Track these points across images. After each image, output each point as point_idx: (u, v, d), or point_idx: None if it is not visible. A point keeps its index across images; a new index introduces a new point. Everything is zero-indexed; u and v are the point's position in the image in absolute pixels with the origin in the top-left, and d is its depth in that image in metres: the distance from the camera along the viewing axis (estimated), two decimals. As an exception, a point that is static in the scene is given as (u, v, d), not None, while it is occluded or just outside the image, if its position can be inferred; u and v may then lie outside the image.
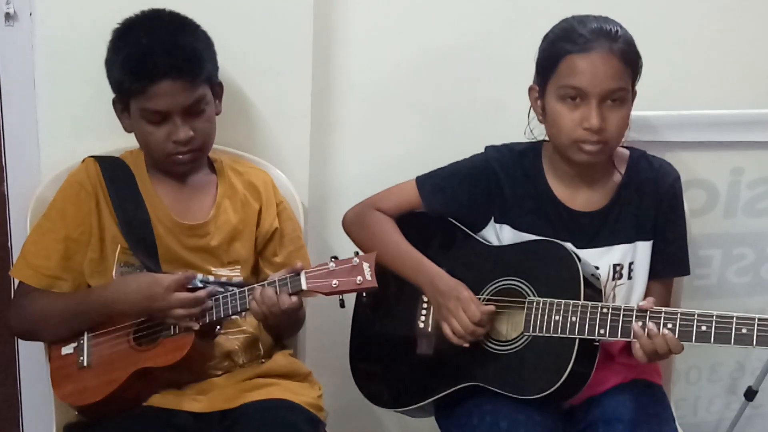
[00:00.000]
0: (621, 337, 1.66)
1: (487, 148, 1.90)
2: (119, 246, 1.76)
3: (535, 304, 1.73)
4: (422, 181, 1.91)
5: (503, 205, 1.85)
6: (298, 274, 1.65)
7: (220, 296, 1.70)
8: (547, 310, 1.71)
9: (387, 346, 1.91)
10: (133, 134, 1.80)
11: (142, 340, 1.72)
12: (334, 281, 1.63)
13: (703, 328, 1.59)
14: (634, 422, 1.74)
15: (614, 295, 1.82)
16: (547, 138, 1.84)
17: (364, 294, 1.66)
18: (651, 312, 1.63)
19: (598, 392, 1.81)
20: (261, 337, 1.85)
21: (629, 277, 1.83)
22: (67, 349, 1.74)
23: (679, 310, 1.63)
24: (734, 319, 1.57)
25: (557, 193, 1.84)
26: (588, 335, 1.67)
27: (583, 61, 1.70)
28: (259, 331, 1.85)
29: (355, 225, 1.92)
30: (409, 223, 1.90)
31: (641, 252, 1.83)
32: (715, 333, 1.58)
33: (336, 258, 1.66)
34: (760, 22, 2.28)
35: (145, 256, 1.76)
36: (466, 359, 1.78)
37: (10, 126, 1.90)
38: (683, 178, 1.90)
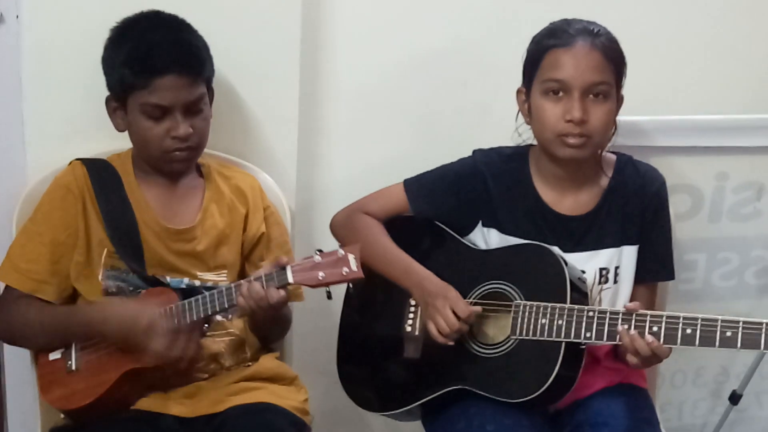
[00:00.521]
0: (607, 340, 1.67)
1: (474, 151, 1.91)
2: (105, 250, 1.76)
3: (521, 307, 1.73)
4: (410, 184, 1.91)
5: (490, 208, 1.85)
6: (284, 268, 1.65)
7: (207, 294, 1.68)
8: (533, 314, 1.71)
9: (374, 349, 1.91)
10: (121, 136, 1.80)
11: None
12: (321, 273, 1.63)
13: (688, 331, 1.60)
14: (620, 426, 1.75)
15: (600, 300, 1.82)
16: (534, 142, 1.84)
17: (350, 285, 1.66)
18: (637, 315, 1.64)
19: (584, 396, 1.81)
20: (248, 339, 1.84)
21: (615, 282, 1.84)
22: (55, 355, 1.73)
23: (665, 313, 1.64)
24: (719, 322, 1.58)
25: (544, 197, 1.84)
26: (574, 338, 1.68)
27: (565, 54, 1.72)
28: (245, 333, 1.84)
29: (342, 228, 1.93)
30: (396, 226, 1.90)
31: (627, 256, 1.84)
32: (700, 336, 1.59)
33: (321, 251, 1.66)
34: (747, 28, 2.29)
35: (132, 260, 1.75)
36: (453, 362, 1.78)
37: (-3, 128, 1.89)
38: (669, 183, 1.92)
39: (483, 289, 1.81)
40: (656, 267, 1.87)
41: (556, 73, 1.73)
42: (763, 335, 1.55)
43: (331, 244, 1.93)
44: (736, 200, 2.39)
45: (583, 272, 1.80)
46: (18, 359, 1.92)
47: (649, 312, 1.64)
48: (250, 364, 1.83)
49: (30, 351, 1.81)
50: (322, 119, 2.13)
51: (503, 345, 1.75)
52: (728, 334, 1.57)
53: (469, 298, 1.80)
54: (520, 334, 1.72)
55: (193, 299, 1.68)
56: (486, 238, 1.86)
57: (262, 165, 2.01)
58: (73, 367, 1.70)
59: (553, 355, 1.68)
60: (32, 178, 1.88)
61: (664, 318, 1.62)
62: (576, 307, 1.69)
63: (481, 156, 1.89)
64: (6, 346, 1.92)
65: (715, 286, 2.46)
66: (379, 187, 1.95)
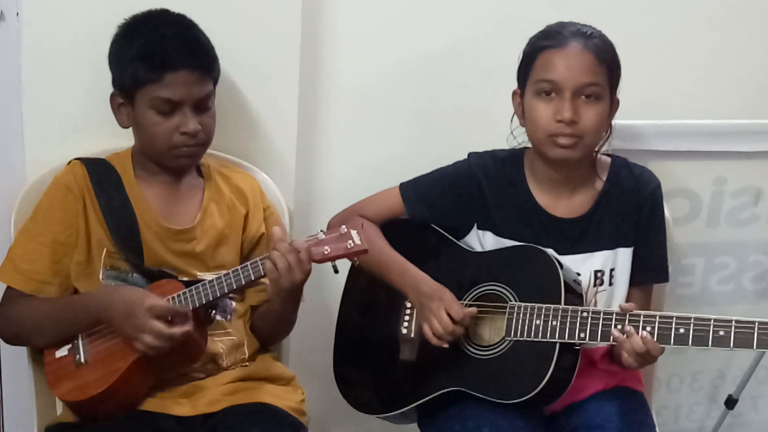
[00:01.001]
0: (601, 340, 1.67)
1: (469, 154, 1.91)
2: (105, 249, 1.76)
3: (516, 308, 1.74)
4: (405, 188, 1.91)
5: (486, 211, 1.86)
6: (292, 240, 1.64)
7: (223, 274, 1.67)
8: (528, 315, 1.72)
9: (370, 351, 1.92)
10: (120, 135, 1.80)
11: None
12: (326, 248, 1.64)
13: (681, 330, 1.61)
14: (616, 429, 1.76)
15: (595, 302, 1.83)
16: (529, 145, 1.85)
17: (355, 260, 1.68)
18: (630, 315, 1.65)
19: (580, 399, 1.82)
20: (246, 340, 1.84)
21: (610, 284, 1.84)
22: (62, 352, 1.72)
23: (658, 312, 1.65)
24: (711, 321, 1.59)
25: (539, 200, 1.85)
26: (569, 339, 1.68)
27: (557, 55, 1.73)
28: (244, 335, 1.84)
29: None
30: (392, 229, 1.90)
31: (622, 259, 1.84)
32: (693, 335, 1.60)
33: (324, 230, 1.67)
34: (746, 33, 2.30)
35: (132, 260, 1.75)
36: (448, 364, 1.78)
37: (-4, 126, 1.89)
38: (667, 187, 1.92)
39: (478, 290, 1.81)
40: (651, 269, 1.88)
41: (548, 74, 1.74)
42: (755, 334, 1.55)
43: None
44: (734, 205, 2.39)
45: (578, 274, 1.81)
46: (15, 357, 1.92)
47: (642, 312, 1.65)
48: (247, 364, 1.83)
49: (28, 349, 1.81)
50: (321, 120, 2.13)
51: (498, 346, 1.75)
52: (721, 333, 1.58)
53: (464, 300, 1.81)
54: (515, 335, 1.72)
55: (207, 281, 1.67)
56: (481, 240, 1.87)
57: (261, 165, 2.02)
58: (82, 360, 1.70)
59: (548, 356, 1.68)
60: (31, 176, 1.88)
61: (657, 318, 1.63)
62: (570, 307, 1.69)
63: (476, 159, 1.89)
64: (3, 345, 1.92)
65: (712, 291, 2.46)
66: (377, 188, 1.95)
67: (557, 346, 1.68)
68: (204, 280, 1.74)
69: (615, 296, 1.84)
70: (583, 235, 1.84)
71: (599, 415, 1.78)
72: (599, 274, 1.83)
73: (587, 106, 1.74)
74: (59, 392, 1.71)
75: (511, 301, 1.76)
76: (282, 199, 2.00)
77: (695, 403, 2.61)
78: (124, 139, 1.83)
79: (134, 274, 1.76)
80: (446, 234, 1.89)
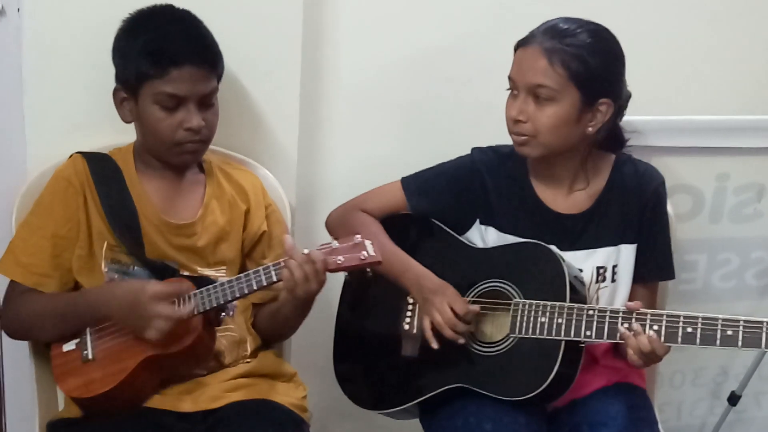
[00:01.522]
0: (607, 338, 1.67)
1: (473, 149, 1.91)
2: (106, 243, 1.75)
3: (521, 305, 1.73)
4: (407, 182, 1.91)
5: (488, 206, 1.85)
6: (310, 251, 1.63)
7: (234, 278, 1.66)
8: (533, 312, 1.71)
9: (371, 348, 1.91)
10: (122, 130, 1.79)
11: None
12: (339, 258, 1.63)
13: (689, 329, 1.60)
14: (618, 425, 1.75)
15: (597, 298, 1.83)
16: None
17: (368, 270, 1.68)
18: (637, 314, 1.64)
19: (583, 395, 1.81)
20: (248, 337, 1.84)
21: (613, 280, 1.84)
22: (69, 346, 1.72)
23: (665, 311, 1.64)
24: (719, 321, 1.58)
25: (541, 196, 1.84)
26: (574, 337, 1.68)
27: (519, 54, 1.76)
28: (246, 331, 1.84)
29: (339, 226, 1.92)
30: (394, 225, 1.90)
31: (625, 255, 1.84)
32: (701, 335, 1.59)
33: (337, 238, 1.66)
34: (748, 29, 2.29)
35: (133, 250, 1.75)
36: (451, 361, 1.78)
37: (-3, 121, 1.89)
38: (669, 183, 1.91)
39: (481, 287, 1.81)
40: (655, 266, 1.87)
41: (511, 72, 1.77)
42: (764, 334, 1.55)
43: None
44: (737, 201, 2.39)
45: (581, 271, 1.80)
46: (17, 352, 1.92)
47: (649, 311, 1.65)
48: (249, 360, 1.83)
49: (30, 344, 1.81)
50: (323, 116, 2.13)
51: (502, 343, 1.75)
52: (729, 332, 1.57)
53: (468, 297, 1.80)
54: (520, 332, 1.72)
55: (219, 283, 1.66)
56: (483, 236, 1.86)
57: (262, 161, 2.01)
58: (90, 356, 1.69)
59: (553, 354, 1.68)
60: (32, 172, 1.88)
61: (664, 317, 1.63)
62: (576, 305, 1.69)
63: (479, 154, 1.89)
64: (5, 339, 1.92)
65: (715, 287, 2.45)
66: (379, 184, 1.95)
67: (563, 343, 1.68)
68: (208, 277, 1.74)
69: (618, 293, 1.84)
70: (585, 232, 1.83)
71: (601, 411, 1.77)
72: (601, 271, 1.83)
73: (540, 107, 1.73)
74: (66, 388, 1.71)
75: (515, 297, 1.75)
76: (284, 195, 2.00)
77: (698, 399, 2.60)
78: (126, 135, 1.82)
79: (136, 267, 1.75)
80: (448, 230, 1.88)
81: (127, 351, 1.67)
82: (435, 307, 1.75)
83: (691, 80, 2.27)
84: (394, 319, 1.88)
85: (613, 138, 1.86)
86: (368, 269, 1.68)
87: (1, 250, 1.81)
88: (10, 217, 1.84)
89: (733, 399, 2.46)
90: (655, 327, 1.62)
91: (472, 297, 1.81)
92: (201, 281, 1.70)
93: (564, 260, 1.74)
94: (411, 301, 1.86)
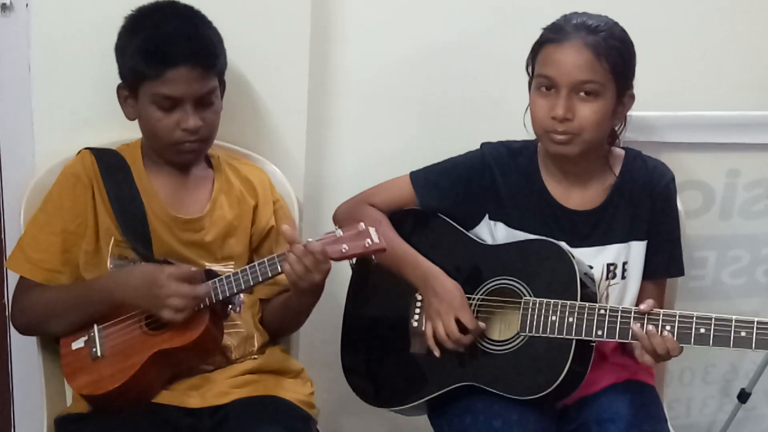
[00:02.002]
0: (619, 338, 1.66)
1: (482, 145, 1.90)
2: (113, 239, 1.76)
3: (531, 304, 1.72)
4: (417, 177, 1.90)
5: (498, 201, 1.85)
6: (308, 242, 1.64)
7: (240, 270, 1.67)
8: (543, 311, 1.71)
9: (379, 345, 1.91)
10: (130, 126, 1.79)
11: (154, 325, 1.70)
12: (344, 246, 1.63)
13: (702, 330, 1.59)
14: (627, 423, 1.75)
15: (607, 295, 1.82)
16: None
17: (374, 258, 1.67)
18: (649, 314, 1.63)
19: (592, 392, 1.81)
20: (255, 333, 1.84)
21: (623, 277, 1.83)
22: (78, 344, 1.72)
23: (678, 312, 1.63)
24: (733, 321, 1.57)
25: (552, 192, 1.84)
26: (585, 336, 1.67)
27: (556, 51, 1.72)
28: (253, 327, 1.84)
29: (346, 220, 1.91)
30: (402, 220, 1.89)
31: (635, 252, 1.83)
32: (714, 336, 1.58)
33: (341, 227, 1.66)
34: (759, 24, 2.28)
35: (140, 249, 1.75)
36: (460, 359, 1.77)
37: (5, 117, 1.88)
38: (679, 179, 1.90)
39: (491, 284, 1.80)
40: (665, 263, 1.86)
41: (546, 69, 1.73)
42: None
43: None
44: (748, 197, 2.38)
45: (591, 267, 1.80)
46: (25, 348, 1.93)
47: (661, 311, 1.64)
48: (256, 356, 1.83)
49: (38, 340, 1.81)
50: (331, 111, 2.12)
51: (512, 341, 1.74)
52: (743, 334, 1.56)
53: (477, 294, 1.80)
54: (530, 331, 1.71)
55: (225, 276, 1.67)
56: (492, 231, 1.86)
57: (270, 156, 2.01)
58: (99, 354, 1.69)
59: (564, 353, 1.67)
60: (41, 167, 1.88)
61: (677, 317, 1.62)
62: (587, 304, 1.68)
63: (489, 149, 1.88)
64: (14, 333, 1.92)
65: (725, 284, 2.44)
66: (387, 178, 1.94)
67: (573, 342, 1.67)
68: (213, 270, 1.74)
69: (628, 289, 1.83)
70: (595, 228, 1.83)
71: (610, 408, 1.77)
72: (612, 267, 1.82)
73: (584, 103, 1.72)
74: (76, 386, 1.71)
75: (525, 295, 1.75)
76: (291, 190, 2.00)
77: (708, 396, 2.60)
78: (134, 131, 1.82)
79: (142, 263, 1.75)
80: (457, 226, 1.87)
81: (135, 347, 1.68)
82: (441, 317, 1.74)
83: (701, 76, 2.26)
84: (402, 315, 1.87)
85: (611, 132, 1.85)
86: (373, 257, 1.67)
87: (11, 245, 1.81)
88: (18, 213, 1.84)
89: (743, 396, 2.46)
90: (668, 327, 1.61)
91: (481, 295, 1.80)
92: (206, 275, 1.70)
93: (574, 257, 1.73)
94: (419, 297, 1.86)
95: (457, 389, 1.77)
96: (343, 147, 2.16)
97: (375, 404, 1.90)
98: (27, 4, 1.82)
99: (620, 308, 1.66)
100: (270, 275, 1.66)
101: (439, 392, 1.80)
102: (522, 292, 1.75)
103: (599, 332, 1.66)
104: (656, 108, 2.16)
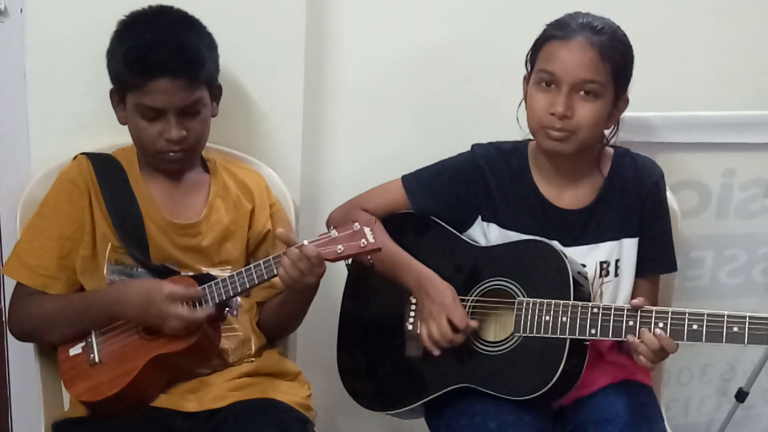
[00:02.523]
0: (612, 336, 1.66)
1: (473, 146, 1.90)
2: (110, 244, 1.76)
3: (524, 304, 1.73)
4: (408, 180, 1.90)
5: (490, 203, 1.85)
6: (302, 246, 1.64)
7: (236, 273, 1.67)
8: (537, 311, 1.71)
9: (375, 348, 1.91)
10: (125, 130, 1.79)
11: (152, 330, 1.69)
12: (339, 247, 1.63)
13: (695, 326, 1.60)
14: (624, 423, 1.74)
15: (601, 293, 1.82)
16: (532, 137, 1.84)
17: (369, 258, 1.67)
18: (642, 311, 1.64)
19: (588, 393, 1.81)
20: (253, 336, 1.84)
21: (616, 275, 1.83)
22: (76, 350, 1.72)
23: (670, 309, 1.63)
24: (725, 317, 1.57)
25: (543, 191, 1.84)
26: (579, 335, 1.67)
27: (561, 47, 1.72)
28: (250, 330, 1.84)
29: (340, 226, 1.92)
30: (395, 223, 1.89)
31: (627, 249, 1.83)
32: (706, 332, 1.59)
33: (336, 227, 1.66)
34: (754, 23, 2.28)
35: (137, 253, 1.75)
36: (456, 361, 1.77)
37: (1, 122, 1.89)
38: (676, 179, 1.91)
39: (484, 286, 1.80)
40: (658, 259, 1.87)
41: (549, 65, 1.73)
42: None
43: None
44: (744, 197, 2.38)
45: (584, 266, 1.80)
46: (22, 353, 1.93)
47: (654, 308, 1.64)
48: (253, 359, 1.83)
49: (35, 345, 1.81)
50: (326, 114, 2.12)
51: (507, 342, 1.75)
52: (735, 329, 1.56)
53: (471, 296, 1.80)
54: (524, 331, 1.72)
55: (221, 279, 1.67)
56: (485, 232, 1.86)
57: (266, 160, 2.01)
58: (96, 360, 1.70)
59: (558, 353, 1.68)
60: (36, 173, 1.88)
61: (669, 314, 1.62)
62: (580, 303, 1.68)
63: (480, 150, 1.89)
64: (11, 339, 1.92)
65: (722, 284, 2.44)
66: (383, 181, 1.94)
67: (567, 342, 1.67)
68: (210, 274, 1.74)
69: (621, 287, 1.84)
70: (587, 227, 1.83)
71: (607, 409, 1.77)
72: (604, 265, 1.82)
73: (584, 102, 1.72)
74: (75, 392, 1.71)
75: (518, 296, 1.75)
76: (288, 193, 2.00)
77: (705, 396, 2.60)
78: (129, 135, 1.82)
79: (139, 269, 1.76)
80: (450, 228, 1.87)
81: (133, 352, 1.68)
82: (433, 319, 1.75)
83: (697, 76, 2.27)
84: (397, 318, 1.87)
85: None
86: (369, 257, 1.67)
87: (6, 251, 1.81)
88: (14, 218, 1.84)
89: (741, 396, 2.45)
90: (660, 324, 1.62)
91: (475, 296, 1.80)
92: (202, 279, 1.70)
93: (566, 257, 1.73)
94: (414, 301, 1.86)
95: (454, 391, 1.77)
96: (339, 149, 2.16)
97: (372, 407, 1.90)
98: (22, 9, 1.83)
99: (613, 306, 1.66)
100: (266, 277, 1.66)
101: (436, 394, 1.80)
102: (516, 292, 1.76)
103: (593, 331, 1.66)
104: (652, 108, 2.16)
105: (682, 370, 2.53)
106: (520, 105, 1.85)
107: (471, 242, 1.86)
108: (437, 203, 1.88)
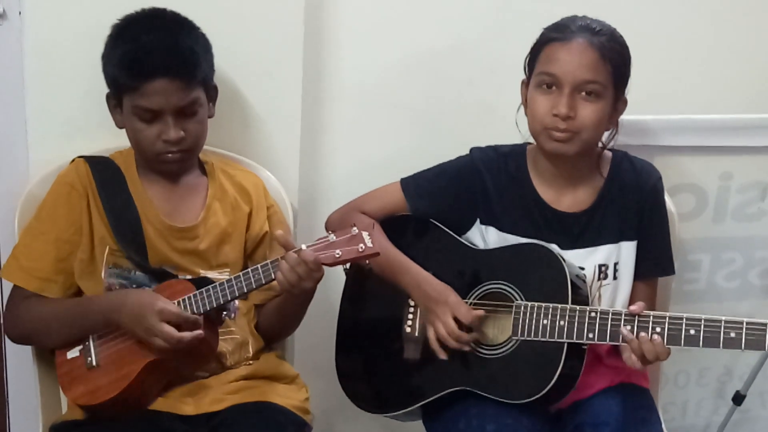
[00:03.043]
0: (610, 341, 1.67)
1: (472, 149, 1.90)
2: (108, 247, 1.75)
3: (523, 308, 1.73)
4: (407, 183, 1.91)
5: (488, 206, 1.85)
6: (300, 250, 1.64)
7: (233, 278, 1.67)
8: (535, 314, 1.71)
9: (373, 351, 1.91)
10: (123, 134, 1.79)
11: None
12: (337, 251, 1.62)
13: (692, 331, 1.60)
14: (621, 426, 1.75)
15: (599, 296, 1.82)
16: (532, 140, 1.84)
17: (368, 263, 1.66)
18: (639, 316, 1.64)
19: (586, 396, 1.81)
20: (251, 339, 1.84)
21: (614, 278, 1.83)
22: (73, 353, 1.72)
23: (668, 314, 1.64)
24: (722, 322, 1.58)
25: (542, 194, 1.84)
26: (576, 339, 1.67)
27: (561, 49, 1.73)
28: (248, 333, 1.84)
29: (338, 229, 1.92)
30: (393, 226, 1.89)
31: (626, 252, 1.84)
32: (703, 337, 1.59)
33: (334, 231, 1.66)
34: (752, 27, 2.29)
35: (135, 258, 1.75)
36: (454, 363, 1.78)
37: (-1, 125, 1.89)
38: (673, 182, 1.91)
39: (482, 289, 1.80)
40: (656, 262, 1.87)
41: (550, 67, 1.74)
42: (767, 336, 1.54)
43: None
44: (741, 200, 2.38)
45: (582, 269, 1.80)
46: (20, 356, 1.93)
47: (651, 313, 1.64)
48: (251, 363, 1.83)
49: (33, 348, 1.81)
50: (324, 117, 2.12)
51: (505, 346, 1.75)
52: (732, 335, 1.57)
53: (469, 299, 1.80)
54: (522, 334, 1.72)
55: (218, 283, 1.67)
56: (484, 235, 1.86)
57: (264, 163, 2.01)
58: (94, 363, 1.70)
59: (556, 356, 1.68)
60: (34, 176, 1.88)
61: (666, 319, 1.62)
62: (578, 307, 1.68)
63: (479, 153, 1.89)
64: (9, 342, 1.92)
65: (719, 287, 2.44)
66: (381, 184, 1.94)
67: (565, 346, 1.68)
68: (208, 278, 1.74)
69: (620, 290, 1.84)
70: (586, 230, 1.83)
71: (604, 412, 1.77)
72: (603, 268, 1.83)
73: (586, 103, 1.73)
74: (72, 395, 1.71)
75: (516, 299, 1.75)
76: (286, 197, 2.00)
77: (702, 399, 2.60)
78: (127, 139, 1.82)
79: (137, 272, 1.76)
80: (448, 231, 1.87)
81: (130, 356, 1.68)
82: (439, 318, 1.75)
83: (694, 79, 2.27)
84: (395, 321, 1.87)
85: None
86: (367, 261, 1.66)
87: (3, 254, 1.81)
88: (12, 221, 1.84)
89: (738, 399, 2.46)
90: (658, 329, 1.62)
91: (474, 299, 1.80)
92: (200, 282, 1.70)
93: (564, 260, 1.74)
94: (412, 303, 1.86)
95: (451, 394, 1.78)
96: (337, 152, 2.16)
97: (370, 410, 1.91)
98: (20, 12, 1.83)
99: (611, 310, 1.67)
100: (264, 282, 1.66)
101: (434, 397, 1.80)
102: (514, 296, 1.76)
103: (590, 335, 1.67)
104: (649, 111, 2.16)
105: (679, 373, 2.53)
106: (518, 110, 1.85)
107: (469, 245, 1.86)
108: (436, 206, 1.88)
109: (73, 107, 1.90)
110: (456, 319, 1.74)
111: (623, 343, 1.66)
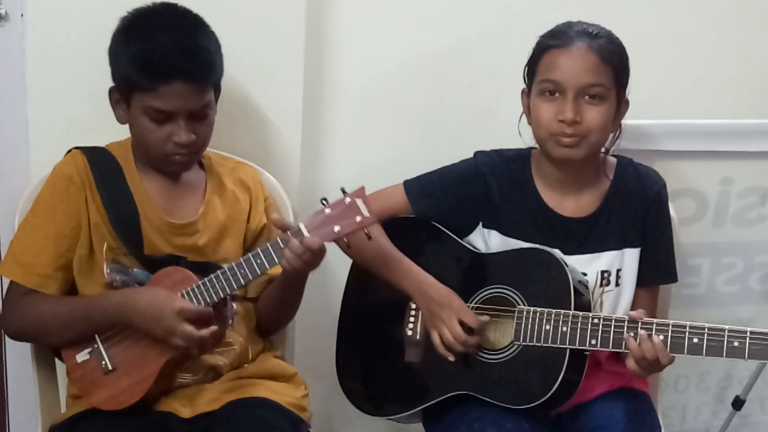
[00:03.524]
0: (612, 347, 1.66)
1: (476, 153, 1.90)
2: (106, 243, 1.72)
3: (525, 313, 1.73)
4: (411, 185, 1.90)
5: (492, 210, 1.85)
6: (299, 230, 1.62)
7: (235, 265, 1.65)
8: (537, 320, 1.71)
9: (374, 354, 1.91)
10: (124, 135, 1.78)
11: None
12: (336, 227, 1.61)
13: (695, 340, 1.60)
14: (621, 430, 1.75)
15: (602, 302, 1.82)
16: (536, 145, 1.84)
17: (366, 232, 1.64)
18: (643, 323, 1.64)
19: (586, 400, 1.81)
20: (249, 345, 1.83)
21: (617, 284, 1.83)
22: (83, 356, 1.70)
23: (671, 321, 1.63)
24: (726, 331, 1.58)
25: (546, 199, 1.84)
26: (579, 345, 1.67)
27: (561, 55, 1.73)
28: (247, 339, 1.82)
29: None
30: (396, 228, 1.89)
31: (629, 259, 1.83)
32: (707, 345, 1.59)
33: (326, 200, 1.63)
34: (752, 32, 2.29)
35: (133, 251, 1.73)
36: (455, 367, 1.77)
37: (1, 126, 1.89)
38: (673, 187, 1.91)
39: (485, 293, 1.80)
40: (659, 270, 1.87)
41: (552, 74, 1.74)
42: None
43: (331, 245, 1.93)
44: (741, 205, 2.38)
45: (585, 275, 1.80)
46: (20, 356, 1.92)
47: (654, 320, 1.64)
48: (248, 364, 1.83)
49: (32, 348, 1.80)
50: (325, 120, 2.12)
51: (507, 351, 1.75)
52: (735, 344, 1.57)
53: (471, 303, 1.80)
54: (524, 340, 1.72)
55: (221, 272, 1.65)
56: (486, 239, 1.86)
57: (265, 165, 2.01)
58: (110, 367, 1.68)
59: (558, 362, 1.68)
60: (36, 176, 1.87)
61: (670, 326, 1.62)
62: (581, 313, 1.68)
63: (483, 157, 1.89)
64: (8, 343, 1.92)
65: (719, 292, 2.44)
66: (382, 187, 1.94)
67: (567, 352, 1.68)
68: (205, 262, 1.72)
69: (622, 297, 1.84)
70: (589, 235, 1.83)
71: (604, 416, 1.77)
72: (606, 275, 1.82)
73: (590, 106, 1.73)
74: (95, 401, 1.70)
75: (518, 304, 1.75)
76: (287, 199, 1.99)
77: (702, 404, 2.60)
78: (128, 137, 1.82)
79: (135, 270, 1.74)
80: (451, 234, 1.87)
81: (145, 356, 1.67)
82: (444, 322, 1.75)
83: (695, 84, 2.27)
84: (396, 324, 1.87)
85: None
86: (366, 231, 1.62)
87: (4, 254, 1.80)
88: (13, 222, 1.83)
89: (738, 403, 2.46)
90: (661, 336, 1.62)
91: (476, 304, 1.80)
92: (207, 267, 1.68)
93: (567, 265, 1.73)
94: (414, 306, 1.86)
95: (452, 397, 1.77)
96: (338, 155, 2.16)
97: (370, 412, 1.90)
98: (22, 14, 1.83)
99: (614, 317, 1.67)
100: (267, 267, 1.64)
101: (435, 401, 1.80)
102: (516, 300, 1.76)
103: (593, 341, 1.67)
104: (650, 116, 2.16)
105: (679, 378, 2.53)
106: (520, 119, 1.85)
107: (472, 248, 1.86)
108: (439, 209, 1.88)
109: (74, 108, 1.90)
110: (461, 323, 1.74)
111: (627, 351, 1.65)
